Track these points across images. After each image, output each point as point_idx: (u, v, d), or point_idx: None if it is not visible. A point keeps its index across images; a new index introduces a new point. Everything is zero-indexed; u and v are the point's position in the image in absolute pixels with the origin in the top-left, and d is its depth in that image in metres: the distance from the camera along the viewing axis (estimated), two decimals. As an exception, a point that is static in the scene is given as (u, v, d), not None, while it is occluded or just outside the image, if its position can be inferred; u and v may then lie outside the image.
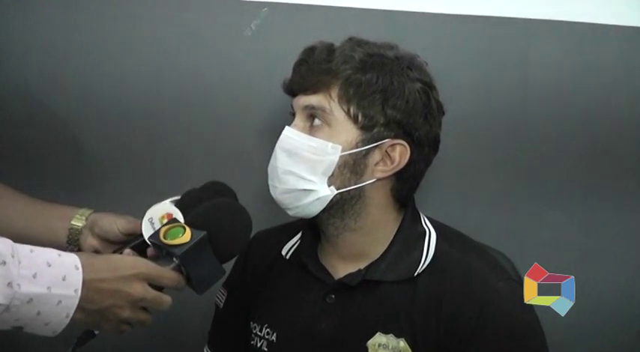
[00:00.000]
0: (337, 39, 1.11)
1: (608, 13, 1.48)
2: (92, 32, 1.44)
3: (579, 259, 1.51)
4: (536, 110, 1.50)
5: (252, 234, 1.26)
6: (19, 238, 0.86)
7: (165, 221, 1.01)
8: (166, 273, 0.94)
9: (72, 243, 1.10)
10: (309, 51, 1.10)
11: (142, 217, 1.04)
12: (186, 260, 0.94)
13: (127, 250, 1.01)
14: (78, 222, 1.10)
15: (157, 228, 1.00)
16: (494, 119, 1.50)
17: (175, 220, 1.00)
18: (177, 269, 0.95)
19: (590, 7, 1.48)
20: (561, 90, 1.50)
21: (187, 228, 0.96)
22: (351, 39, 1.11)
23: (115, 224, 1.07)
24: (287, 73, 1.13)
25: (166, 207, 1.04)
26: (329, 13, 1.45)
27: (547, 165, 1.51)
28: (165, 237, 0.96)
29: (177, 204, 1.05)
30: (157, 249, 0.99)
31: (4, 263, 0.80)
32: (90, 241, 1.09)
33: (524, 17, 1.48)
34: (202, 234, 0.96)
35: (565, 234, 1.52)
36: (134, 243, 1.03)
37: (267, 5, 1.45)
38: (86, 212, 1.12)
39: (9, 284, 0.80)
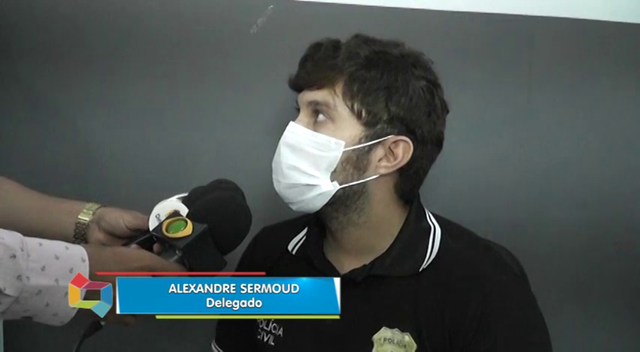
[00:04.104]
0: (343, 36, 1.12)
1: (612, 10, 1.48)
2: (96, 30, 1.45)
3: (583, 256, 1.52)
4: (540, 108, 1.50)
5: (259, 230, 1.29)
6: (27, 232, 0.87)
7: None
8: (170, 266, 0.95)
9: (79, 237, 1.11)
10: (316, 47, 1.11)
11: (149, 213, 1.05)
12: (188, 252, 0.96)
13: (134, 245, 1.02)
14: (85, 217, 1.11)
15: None
16: (498, 116, 1.50)
17: (178, 214, 1.02)
18: (180, 261, 0.97)
19: (595, 4, 1.48)
20: (566, 86, 1.50)
21: (189, 222, 0.97)
22: (357, 36, 1.12)
23: (121, 219, 1.08)
24: (292, 69, 1.13)
25: (173, 204, 1.05)
26: (335, 10, 1.46)
27: (551, 161, 1.51)
28: (167, 231, 0.98)
29: (185, 200, 1.06)
30: (160, 242, 1.00)
31: (14, 256, 0.81)
32: (97, 235, 1.09)
33: (529, 14, 1.48)
34: (203, 226, 0.97)
35: (568, 231, 1.52)
36: (141, 238, 1.04)
37: (273, 2, 1.45)
38: (93, 206, 1.12)
39: (19, 277, 0.82)
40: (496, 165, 1.51)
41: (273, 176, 1.11)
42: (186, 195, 1.07)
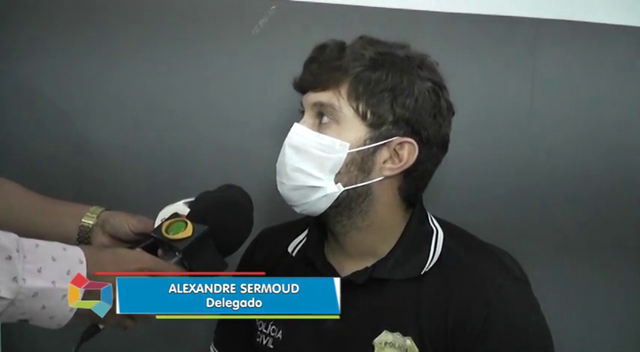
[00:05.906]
0: (345, 37, 1.11)
1: (615, 13, 1.48)
2: (98, 30, 1.45)
3: (586, 258, 1.51)
4: (544, 110, 1.50)
5: (259, 232, 1.28)
6: (28, 235, 0.86)
7: None
8: (169, 268, 0.94)
9: (83, 241, 1.09)
10: (321, 48, 1.10)
11: (152, 216, 1.04)
12: (187, 254, 0.95)
13: (138, 250, 1.00)
14: (89, 220, 1.09)
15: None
16: (502, 119, 1.50)
17: (177, 215, 1.00)
18: (180, 263, 0.96)
19: (600, 7, 1.48)
20: (569, 90, 1.50)
21: (189, 223, 0.96)
22: (362, 37, 1.11)
23: (126, 223, 1.06)
24: (295, 71, 1.12)
25: (179, 208, 1.03)
26: (337, 11, 1.45)
27: (555, 164, 1.51)
28: (167, 232, 0.96)
29: (191, 205, 1.04)
30: (160, 244, 0.99)
31: (10, 258, 0.80)
32: (101, 239, 1.08)
33: (533, 17, 1.47)
34: (204, 228, 0.96)
35: (571, 234, 1.52)
36: (145, 243, 1.02)
37: (275, 3, 1.45)
38: (97, 210, 1.11)
39: (14, 279, 0.80)
40: (499, 168, 1.50)
41: (277, 178, 1.11)
42: (192, 199, 1.06)
